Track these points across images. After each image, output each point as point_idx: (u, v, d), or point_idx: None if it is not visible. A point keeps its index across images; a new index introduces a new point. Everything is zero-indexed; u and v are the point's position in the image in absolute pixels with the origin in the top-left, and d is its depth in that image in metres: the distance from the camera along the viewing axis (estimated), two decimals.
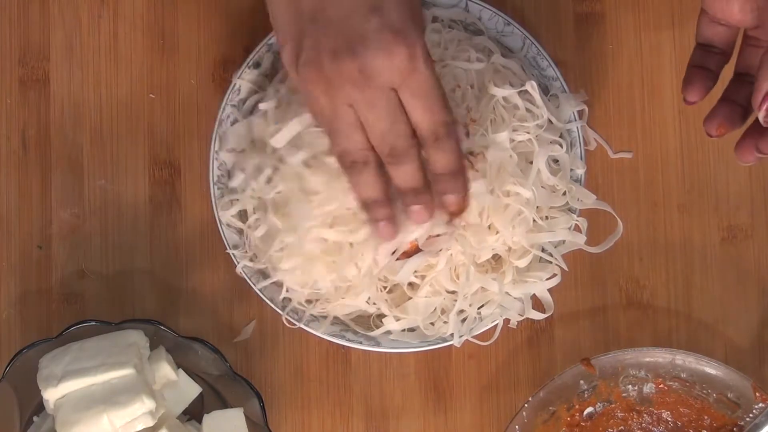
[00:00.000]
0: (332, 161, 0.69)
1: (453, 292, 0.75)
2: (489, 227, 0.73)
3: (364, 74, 0.62)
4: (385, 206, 0.67)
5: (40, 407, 0.75)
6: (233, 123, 0.77)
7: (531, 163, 0.73)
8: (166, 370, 0.74)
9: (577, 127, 0.76)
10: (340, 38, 0.62)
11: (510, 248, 0.75)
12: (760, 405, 0.75)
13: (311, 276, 0.73)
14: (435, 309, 0.75)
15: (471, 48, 0.75)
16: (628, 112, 0.81)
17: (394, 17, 0.61)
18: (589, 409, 0.77)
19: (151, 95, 0.81)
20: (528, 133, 0.73)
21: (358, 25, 0.61)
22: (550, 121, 0.75)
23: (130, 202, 0.81)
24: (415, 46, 0.62)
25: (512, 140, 0.73)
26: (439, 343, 0.75)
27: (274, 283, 0.75)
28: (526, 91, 0.74)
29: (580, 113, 0.77)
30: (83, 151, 0.81)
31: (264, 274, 0.76)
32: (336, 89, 0.63)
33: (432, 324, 0.75)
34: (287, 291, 0.76)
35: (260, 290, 0.76)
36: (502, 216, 0.72)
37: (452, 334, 0.75)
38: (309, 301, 0.76)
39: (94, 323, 0.74)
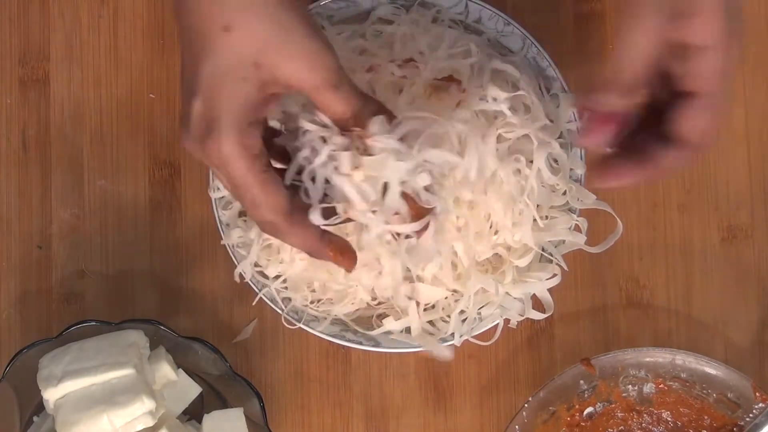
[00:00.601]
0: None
1: (455, 291, 0.75)
2: (489, 227, 0.73)
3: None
4: (325, 247, 0.63)
5: (40, 407, 0.75)
6: None
7: (531, 162, 0.74)
8: (166, 370, 0.74)
9: (577, 127, 0.76)
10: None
11: (510, 248, 0.75)
12: (760, 405, 0.75)
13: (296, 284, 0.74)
14: (435, 306, 0.75)
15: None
16: None
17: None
18: (589, 409, 0.77)
19: (151, 95, 0.81)
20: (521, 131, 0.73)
21: None
22: (551, 121, 0.75)
23: (130, 202, 0.81)
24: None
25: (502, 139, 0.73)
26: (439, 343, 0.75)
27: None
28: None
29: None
30: (83, 151, 0.81)
31: (264, 275, 0.76)
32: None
33: (432, 324, 0.75)
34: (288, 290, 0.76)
35: (260, 290, 0.76)
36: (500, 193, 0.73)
37: (452, 334, 0.75)
38: (312, 302, 0.76)
39: (94, 323, 0.74)
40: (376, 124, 0.60)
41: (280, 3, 0.58)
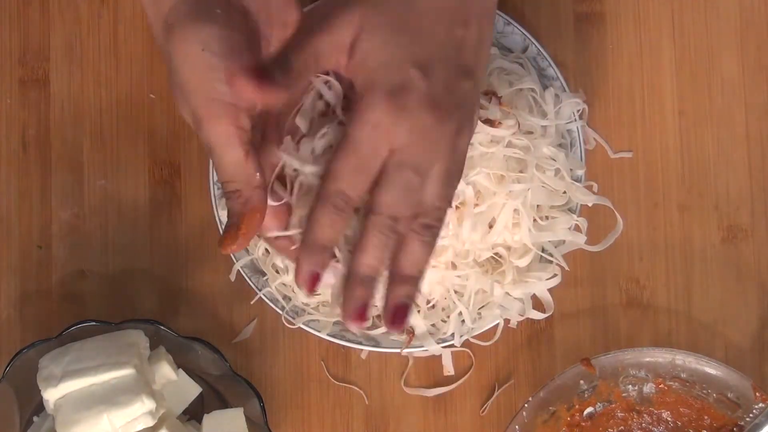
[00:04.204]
0: None
1: (455, 292, 0.75)
2: (489, 227, 0.73)
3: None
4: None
5: (40, 407, 0.75)
6: None
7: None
8: (166, 370, 0.74)
9: (577, 127, 0.76)
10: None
11: (510, 248, 0.75)
12: (760, 405, 0.75)
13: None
14: (435, 306, 0.75)
15: None
16: (628, 112, 0.81)
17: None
18: (589, 409, 0.77)
19: (151, 95, 0.81)
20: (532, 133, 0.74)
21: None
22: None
23: (130, 202, 0.81)
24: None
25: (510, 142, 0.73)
26: (439, 344, 0.75)
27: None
28: (533, 90, 0.75)
29: (580, 113, 0.77)
30: (83, 151, 0.81)
31: (264, 274, 0.76)
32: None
33: (432, 324, 0.76)
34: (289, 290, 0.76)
35: (260, 290, 0.76)
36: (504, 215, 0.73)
37: (452, 334, 0.75)
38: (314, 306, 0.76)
39: (94, 323, 0.74)
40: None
41: None
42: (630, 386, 0.77)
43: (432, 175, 0.59)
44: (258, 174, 0.60)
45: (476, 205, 0.72)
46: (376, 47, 0.58)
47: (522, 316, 0.76)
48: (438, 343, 0.75)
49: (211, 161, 0.77)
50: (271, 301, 0.76)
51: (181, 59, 0.59)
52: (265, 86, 0.57)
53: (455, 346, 0.77)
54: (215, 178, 0.77)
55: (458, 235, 0.71)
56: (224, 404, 0.76)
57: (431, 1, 0.59)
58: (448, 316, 0.75)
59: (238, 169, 0.59)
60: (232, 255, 0.76)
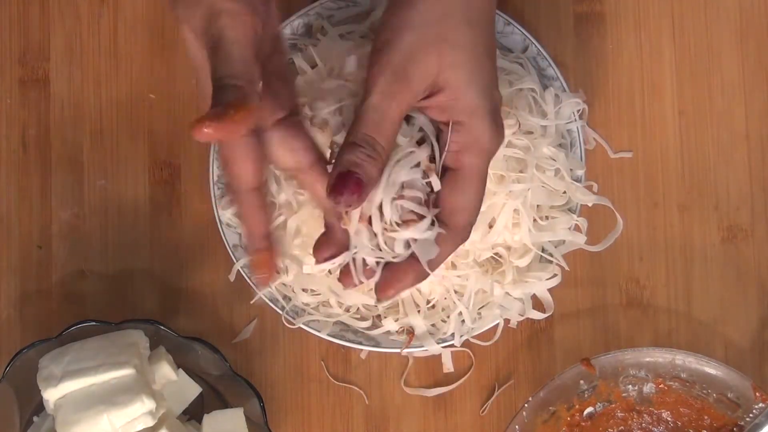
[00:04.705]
0: None
1: (455, 292, 0.75)
2: (489, 227, 0.74)
3: None
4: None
5: (40, 407, 0.75)
6: None
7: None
8: (166, 370, 0.74)
9: (577, 127, 0.76)
10: None
11: (510, 248, 0.75)
12: (760, 405, 0.75)
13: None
14: (435, 306, 0.75)
15: None
16: (628, 112, 0.81)
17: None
18: (589, 409, 0.77)
19: (151, 95, 0.81)
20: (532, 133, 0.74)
21: None
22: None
23: (130, 202, 0.81)
24: None
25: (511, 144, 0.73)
26: (439, 344, 0.75)
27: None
28: (533, 90, 0.75)
29: (580, 113, 0.77)
30: (83, 151, 0.81)
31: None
32: None
33: (433, 325, 0.76)
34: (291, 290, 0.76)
35: (260, 290, 0.76)
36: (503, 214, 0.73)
37: (452, 334, 0.75)
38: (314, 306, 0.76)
39: (94, 323, 0.74)
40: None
41: None
42: (630, 386, 0.77)
43: None
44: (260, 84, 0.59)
45: None
46: (465, 79, 0.61)
47: (522, 316, 0.76)
48: (438, 343, 0.75)
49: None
50: (271, 301, 0.76)
51: None
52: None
53: (455, 346, 0.77)
54: (215, 179, 0.77)
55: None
56: (224, 404, 0.76)
57: (478, 20, 0.62)
58: (448, 316, 0.75)
59: (246, 67, 0.57)
60: (232, 255, 0.76)
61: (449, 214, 0.62)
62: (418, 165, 0.62)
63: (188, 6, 0.60)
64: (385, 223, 0.62)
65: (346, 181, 0.59)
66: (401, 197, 0.62)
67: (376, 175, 0.60)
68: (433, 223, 0.62)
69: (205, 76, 0.58)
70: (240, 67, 0.57)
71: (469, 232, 0.63)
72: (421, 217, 0.62)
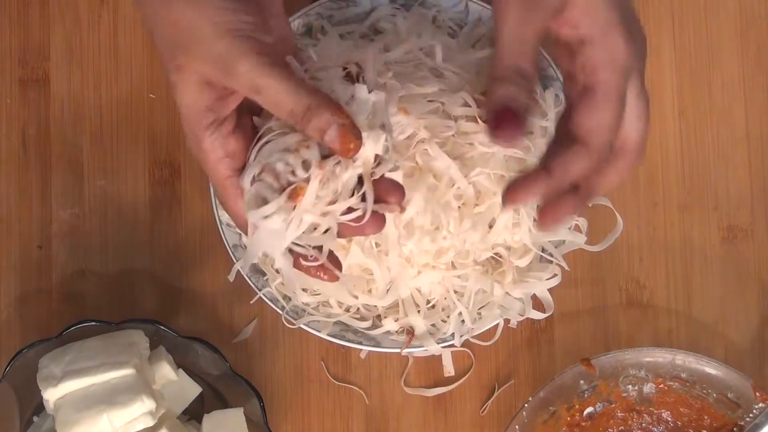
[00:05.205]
0: None
1: (455, 292, 0.75)
2: (489, 227, 0.74)
3: None
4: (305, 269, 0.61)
5: (40, 407, 0.75)
6: None
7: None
8: (166, 370, 0.74)
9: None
10: None
11: (510, 248, 0.75)
12: (760, 405, 0.75)
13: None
14: (435, 306, 0.75)
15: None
16: None
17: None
18: (589, 409, 0.77)
19: (151, 95, 0.81)
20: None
21: None
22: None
23: (130, 202, 0.81)
24: None
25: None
26: (439, 344, 0.75)
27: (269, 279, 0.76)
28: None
29: None
30: (83, 151, 0.81)
31: (264, 274, 0.76)
32: None
33: (433, 325, 0.76)
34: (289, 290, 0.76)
35: (260, 290, 0.76)
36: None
37: (452, 334, 0.75)
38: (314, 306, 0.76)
39: (94, 323, 0.74)
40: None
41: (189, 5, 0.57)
42: (630, 386, 0.77)
43: None
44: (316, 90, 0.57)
45: (476, 205, 0.72)
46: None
47: (522, 316, 0.76)
48: (438, 343, 0.75)
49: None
50: (271, 301, 0.76)
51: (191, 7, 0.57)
52: None
53: (455, 346, 0.77)
54: None
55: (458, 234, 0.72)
56: (224, 404, 0.76)
57: None
58: (448, 316, 0.75)
59: (297, 84, 0.56)
60: (232, 255, 0.76)
61: (586, 134, 0.59)
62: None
63: (180, 67, 0.58)
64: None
65: (504, 118, 0.57)
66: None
67: (531, 102, 0.58)
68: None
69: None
70: (294, 98, 0.56)
71: (608, 151, 0.60)
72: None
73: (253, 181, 0.58)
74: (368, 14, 0.77)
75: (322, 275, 0.60)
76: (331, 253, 0.60)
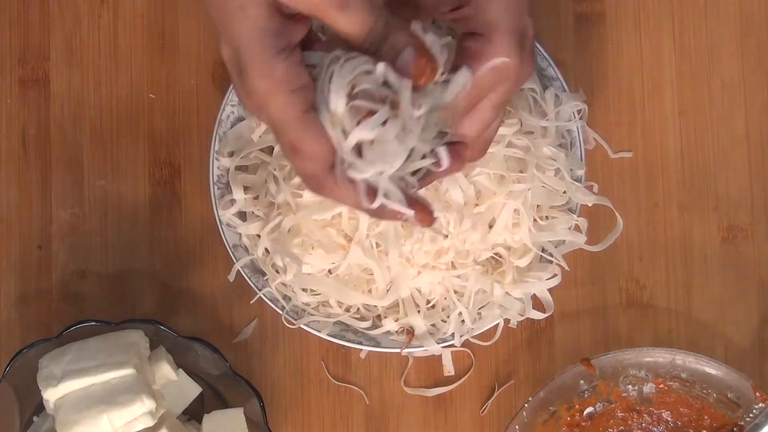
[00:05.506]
0: None
1: (455, 292, 0.75)
2: (489, 227, 0.74)
3: None
4: (381, 205, 0.58)
5: (40, 407, 0.75)
6: (233, 123, 0.77)
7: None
8: (166, 370, 0.74)
9: (577, 127, 0.76)
10: None
11: (510, 248, 0.75)
12: (760, 405, 0.75)
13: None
14: (435, 306, 0.75)
15: None
16: (628, 112, 0.81)
17: None
18: (589, 409, 0.77)
19: (151, 95, 0.81)
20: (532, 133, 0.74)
21: None
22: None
23: (130, 202, 0.81)
24: None
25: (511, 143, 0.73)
26: (439, 344, 0.75)
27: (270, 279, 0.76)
28: (533, 90, 0.75)
29: (580, 113, 0.77)
30: (83, 151, 0.81)
31: (264, 274, 0.76)
32: None
33: (433, 325, 0.76)
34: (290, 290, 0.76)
35: (260, 290, 0.76)
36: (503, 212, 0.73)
37: (452, 334, 0.75)
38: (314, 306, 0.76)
39: (94, 323, 0.74)
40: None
41: None
42: (630, 386, 0.77)
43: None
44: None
45: (476, 205, 0.72)
46: None
47: (522, 316, 0.76)
48: (438, 343, 0.75)
49: (211, 163, 0.77)
50: (271, 301, 0.76)
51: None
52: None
53: (455, 346, 0.77)
54: (215, 179, 0.77)
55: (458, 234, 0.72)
56: (224, 404, 0.76)
57: None
58: (448, 316, 0.75)
59: (372, 6, 0.54)
60: (232, 255, 0.76)
61: (460, 137, 0.59)
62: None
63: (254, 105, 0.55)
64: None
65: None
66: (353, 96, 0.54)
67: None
68: (386, 121, 0.54)
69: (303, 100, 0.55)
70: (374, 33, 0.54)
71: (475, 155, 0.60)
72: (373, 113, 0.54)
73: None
74: None
75: (416, 218, 0.57)
76: (420, 197, 0.58)
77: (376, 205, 0.56)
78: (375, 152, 0.54)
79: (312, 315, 0.76)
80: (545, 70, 0.77)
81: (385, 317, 0.76)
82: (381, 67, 0.54)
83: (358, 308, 0.76)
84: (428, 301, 0.76)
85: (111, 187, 0.81)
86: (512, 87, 0.59)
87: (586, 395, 0.77)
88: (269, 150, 0.76)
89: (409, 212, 0.57)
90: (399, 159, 0.55)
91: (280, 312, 0.76)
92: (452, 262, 0.74)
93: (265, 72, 0.54)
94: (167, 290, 0.80)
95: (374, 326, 0.76)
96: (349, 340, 0.76)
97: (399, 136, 0.55)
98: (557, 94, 0.76)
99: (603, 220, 0.80)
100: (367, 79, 0.54)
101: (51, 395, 0.70)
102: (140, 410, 0.69)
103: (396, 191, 0.56)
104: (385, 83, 0.55)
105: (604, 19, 0.81)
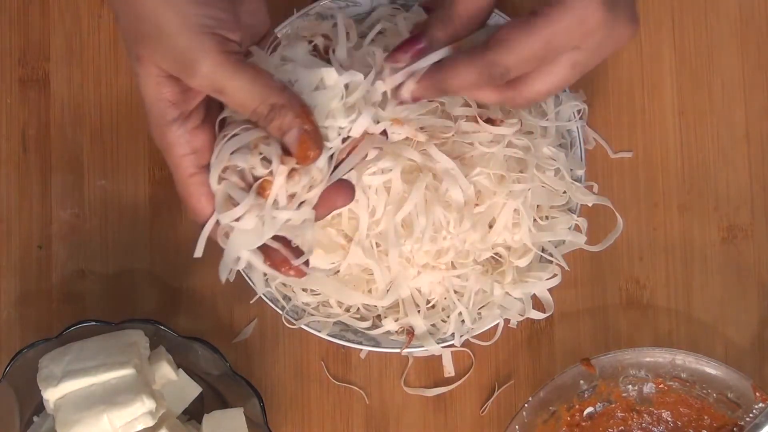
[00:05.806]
0: None
1: (455, 292, 0.75)
2: (489, 227, 0.74)
3: None
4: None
5: (40, 407, 0.75)
6: None
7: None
8: (166, 370, 0.74)
9: (577, 127, 0.76)
10: None
11: (510, 248, 0.75)
12: (760, 405, 0.75)
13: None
14: (435, 306, 0.75)
15: None
16: (628, 112, 0.81)
17: None
18: (589, 409, 0.77)
19: None
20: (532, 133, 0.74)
21: None
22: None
23: (130, 202, 0.81)
24: None
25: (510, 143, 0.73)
26: (439, 344, 0.75)
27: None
28: None
29: (580, 113, 0.77)
30: (83, 151, 0.81)
31: (264, 274, 0.76)
32: None
33: (433, 325, 0.76)
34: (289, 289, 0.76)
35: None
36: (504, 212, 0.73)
37: (452, 334, 0.75)
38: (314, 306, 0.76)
39: (94, 323, 0.74)
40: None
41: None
42: (630, 386, 0.77)
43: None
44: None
45: (476, 205, 0.72)
46: None
47: (522, 316, 0.76)
48: (438, 343, 0.75)
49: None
50: (271, 301, 0.76)
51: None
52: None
53: (455, 346, 0.77)
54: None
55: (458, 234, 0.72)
56: (224, 404, 0.76)
57: None
58: (448, 316, 0.75)
59: (262, 84, 0.55)
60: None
61: (530, 91, 0.57)
62: None
63: (146, 60, 0.56)
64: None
65: (407, 43, 0.57)
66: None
67: (442, 40, 0.57)
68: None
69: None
70: (259, 91, 0.55)
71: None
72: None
73: (220, 180, 0.57)
74: (368, 14, 0.77)
75: (290, 272, 0.59)
76: (296, 248, 0.59)
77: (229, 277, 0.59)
78: (235, 236, 0.58)
79: (312, 315, 0.76)
80: None
81: (385, 317, 0.76)
82: (242, 164, 0.56)
83: (358, 308, 0.76)
84: (428, 301, 0.76)
85: (111, 187, 0.81)
86: (601, 46, 0.54)
87: (586, 395, 0.77)
88: None
89: (274, 273, 0.60)
90: (256, 244, 0.58)
91: (280, 312, 0.76)
92: (452, 262, 0.74)
93: (158, 135, 0.58)
94: (167, 290, 0.80)
95: (374, 326, 0.76)
96: (349, 340, 0.76)
97: (256, 228, 0.57)
98: (557, 94, 0.76)
99: (603, 220, 0.80)
100: (244, 156, 0.56)
101: (51, 395, 0.70)
102: (140, 410, 0.69)
103: (258, 261, 0.59)
104: (266, 159, 0.56)
105: None
